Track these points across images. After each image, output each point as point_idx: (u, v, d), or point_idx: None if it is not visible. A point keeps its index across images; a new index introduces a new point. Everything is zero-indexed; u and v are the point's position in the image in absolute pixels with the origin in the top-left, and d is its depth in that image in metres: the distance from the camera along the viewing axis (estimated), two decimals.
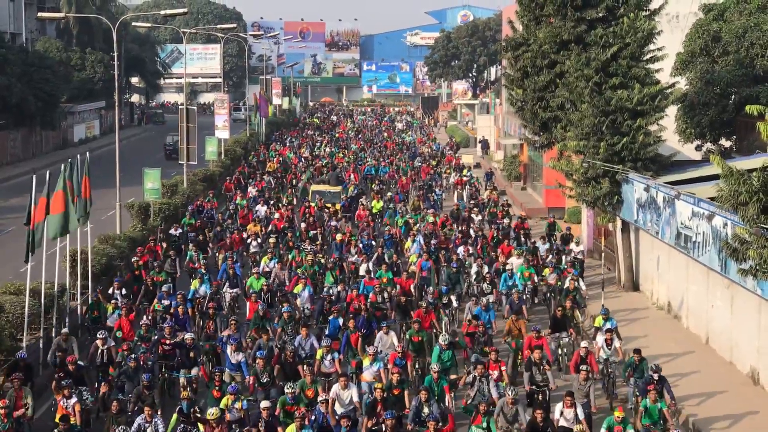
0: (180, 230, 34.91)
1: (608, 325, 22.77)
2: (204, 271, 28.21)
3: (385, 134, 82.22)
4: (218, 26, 76.13)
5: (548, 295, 29.06)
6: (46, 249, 23.26)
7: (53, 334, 23.25)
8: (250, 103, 78.04)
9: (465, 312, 25.15)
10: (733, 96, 32.68)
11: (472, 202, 44.15)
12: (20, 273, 27.41)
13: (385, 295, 25.96)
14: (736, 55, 32.80)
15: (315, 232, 35.49)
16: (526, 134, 37.27)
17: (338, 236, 33.78)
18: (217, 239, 34.60)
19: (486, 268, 29.24)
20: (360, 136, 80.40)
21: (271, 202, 41.70)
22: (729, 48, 33.19)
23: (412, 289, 27.54)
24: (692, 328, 26.61)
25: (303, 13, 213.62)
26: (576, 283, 26.59)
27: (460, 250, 31.56)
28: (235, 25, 79.99)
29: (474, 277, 29.12)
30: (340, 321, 23.30)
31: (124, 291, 26.04)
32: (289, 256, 30.73)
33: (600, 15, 32.23)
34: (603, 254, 32.43)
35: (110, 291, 25.74)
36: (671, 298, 28.42)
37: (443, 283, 27.82)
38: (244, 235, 34.78)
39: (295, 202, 43.09)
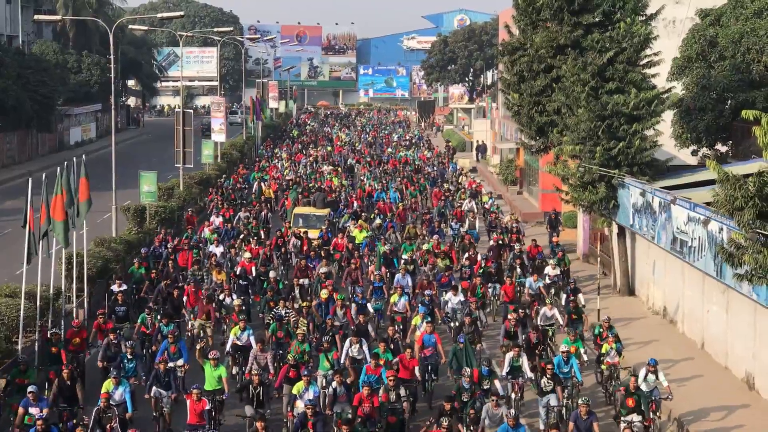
0: (124, 287, 25.44)
1: None
2: (130, 356, 20.04)
3: (389, 150, 70.62)
4: (215, 29, 75.93)
5: (610, 383, 21.44)
6: (41, 252, 23.22)
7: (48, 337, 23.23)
8: (246, 107, 77.72)
9: (481, 421, 18.20)
10: (730, 101, 32.69)
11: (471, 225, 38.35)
12: (16, 275, 27.36)
13: (402, 391, 18.95)
14: (732, 60, 32.83)
15: (293, 282, 27.64)
16: (522, 138, 37.28)
17: (323, 292, 25.00)
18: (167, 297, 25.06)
19: (523, 358, 20.63)
20: (360, 147, 71.59)
21: (241, 237, 33.61)
22: (725, 53, 33.21)
23: (417, 373, 20.47)
24: (688, 333, 26.62)
25: (300, 17, 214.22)
26: (653, 377, 19.60)
27: (449, 297, 25.61)
28: (231, 29, 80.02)
29: (507, 368, 20.62)
30: None
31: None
32: (268, 330, 22.49)
33: (596, 20, 32.31)
34: (599, 259, 32.43)
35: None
36: (667, 303, 28.43)
37: (450, 365, 20.90)
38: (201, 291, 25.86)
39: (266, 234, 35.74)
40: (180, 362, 20.71)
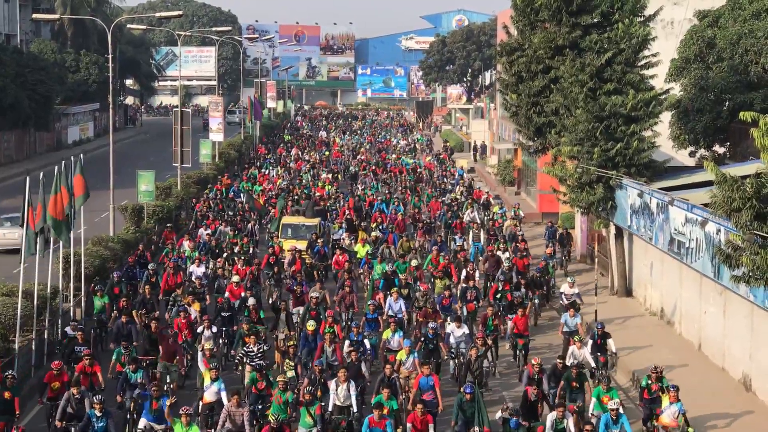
0: (80, 327, 21.86)
1: None
2: (99, 414, 16.53)
3: (393, 156, 66.22)
4: (213, 29, 76.17)
5: None
6: (38, 251, 23.18)
7: (45, 336, 23.22)
8: (244, 106, 77.63)
9: None
10: (727, 102, 32.71)
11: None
12: (13, 274, 27.35)
13: None
14: (730, 61, 32.84)
15: (279, 307, 23.47)
16: (520, 139, 37.28)
17: (310, 324, 21.49)
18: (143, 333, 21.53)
19: (569, 420, 17.49)
20: (361, 154, 67.42)
21: (224, 256, 30.03)
22: (723, 54, 33.23)
23: (431, 430, 17.46)
24: (685, 334, 26.63)
25: (298, 17, 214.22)
26: None
27: (451, 329, 22.25)
28: (230, 28, 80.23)
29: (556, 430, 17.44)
30: None
31: None
32: (246, 379, 19.32)
33: (595, 21, 32.37)
34: (596, 260, 32.44)
35: None
36: (664, 304, 28.44)
37: (456, 418, 17.80)
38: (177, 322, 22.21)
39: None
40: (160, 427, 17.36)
